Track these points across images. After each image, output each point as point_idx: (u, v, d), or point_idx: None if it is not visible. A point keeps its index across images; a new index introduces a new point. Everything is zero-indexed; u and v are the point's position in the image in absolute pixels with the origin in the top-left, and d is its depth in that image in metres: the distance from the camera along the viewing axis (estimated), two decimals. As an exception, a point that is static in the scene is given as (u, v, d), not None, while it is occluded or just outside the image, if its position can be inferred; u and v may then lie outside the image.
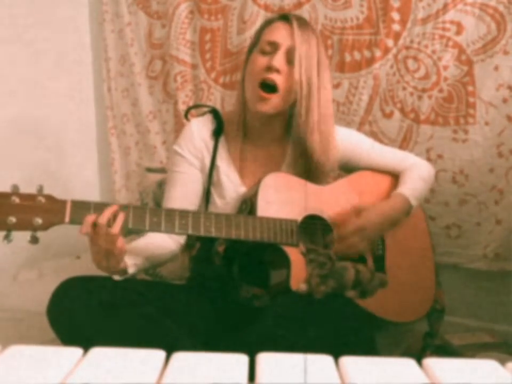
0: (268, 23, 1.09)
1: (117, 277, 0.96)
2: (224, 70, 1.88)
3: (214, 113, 1.15)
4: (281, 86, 1.03)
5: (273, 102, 1.03)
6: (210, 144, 1.12)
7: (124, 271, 0.96)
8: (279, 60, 1.02)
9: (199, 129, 1.12)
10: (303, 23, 1.07)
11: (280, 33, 1.04)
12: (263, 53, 1.05)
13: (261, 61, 1.04)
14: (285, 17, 1.07)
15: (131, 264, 0.97)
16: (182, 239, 1.12)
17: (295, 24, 1.04)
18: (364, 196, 1.16)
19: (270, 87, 1.02)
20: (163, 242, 1.07)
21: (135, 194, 2.13)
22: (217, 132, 1.12)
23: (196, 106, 1.29)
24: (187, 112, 1.17)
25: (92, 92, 2.30)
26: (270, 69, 1.02)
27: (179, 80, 1.97)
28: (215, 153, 1.11)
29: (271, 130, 1.13)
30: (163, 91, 2.06)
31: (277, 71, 1.02)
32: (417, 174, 1.18)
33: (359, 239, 1.03)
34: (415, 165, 1.20)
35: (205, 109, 1.19)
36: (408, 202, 1.11)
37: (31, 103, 1.96)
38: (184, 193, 1.10)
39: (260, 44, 1.07)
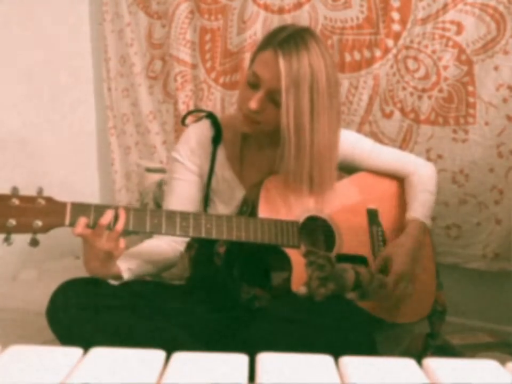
0: (264, 45, 0.98)
1: (113, 281, 0.96)
2: (224, 70, 1.88)
3: (212, 118, 1.14)
4: (263, 120, 0.99)
5: (256, 128, 1.02)
6: (209, 150, 1.12)
7: (119, 277, 0.96)
8: (257, 103, 0.95)
9: (197, 135, 1.12)
10: (295, 56, 0.92)
11: (266, 69, 0.94)
12: (248, 81, 0.98)
13: (244, 92, 0.99)
14: (278, 47, 0.93)
15: (125, 268, 0.97)
16: (181, 246, 1.11)
17: (282, 65, 0.91)
18: (366, 196, 1.16)
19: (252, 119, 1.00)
20: (159, 249, 1.07)
21: (135, 194, 2.13)
22: (216, 139, 1.12)
23: (192, 112, 1.28)
24: (184, 118, 1.16)
25: (92, 92, 2.30)
26: (248, 107, 0.96)
27: (179, 80, 1.97)
28: (213, 160, 1.11)
29: (272, 135, 1.12)
30: (163, 91, 2.06)
31: (255, 112, 0.97)
32: (422, 188, 1.16)
33: (404, 285, 1.02)
34: (417, 173, 1.18)
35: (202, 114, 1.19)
36: (423, 225, 1.11)
37: (31, 103, 1.96)
38: (182, 200, 1.10)
39: (249, 67, 1.01)
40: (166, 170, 1.87)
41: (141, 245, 1.06)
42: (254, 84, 0.97)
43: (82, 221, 0.84)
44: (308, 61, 0.92)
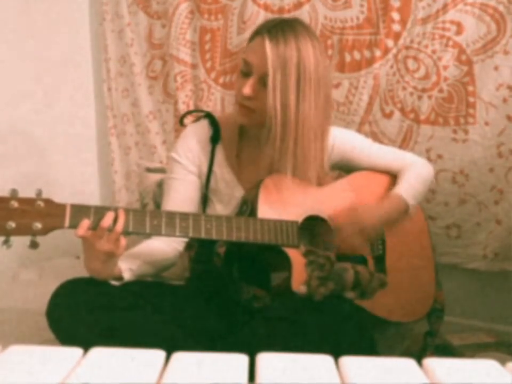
0: (254, 35, 1.02)
1: (115, 282, 0.96)
2: (224, 70, 1.88)
3: (210, 118, 1.14)
4: (257, 108, 1.01)
5: (251, 117, 1.03)
6: (207, 150, 1.12)
7: (120, 277, 0.96)
8: (250, 88, 0.98)
9: (196, 135, 1.12)
10: (282, 40, 0.95)
11: (256, 55, 0.98)
12: (242, 72, 1.01)
13: (239, 81, 1.02)
14: (266, 32, 0.97)
15: (125, 268, 0.97)
16: (180, 246, 1.11)
17: (267, 46, 0.95)
18: (364, 195, 1.16)
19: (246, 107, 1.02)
20: (159, 249, 1.07)
21: (135, 194, 2.13)
22: (215, 139, 1.12)
23: (190, 112, 1.29)
24: (182, 119, 1.17)
25: (92, 92, 2.30)
26: (242, 95, 0.99)
27: (179, 80, 1.97)
28: (212, 160, 1.11)
29: (267, 132, 1.13)
30: (163, 91, 2.06)
31: (248, 98, 0.99)
32: (414, 173, 1.17)
33: (356, 237, 1.03)
34: (413, 164, 1.20)
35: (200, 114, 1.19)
36: (405, 202, 1.10)
37: (31, 103, 1.96)
38: (181, 200, 1.10)
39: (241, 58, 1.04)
40: (166, 170, 1.87)
41: (140, 246, 1.07)
42: (246, 72, 1.00)
43: (85, 223, 0.84)
44: (295, 44, 0.96)
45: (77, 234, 0.84)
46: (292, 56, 0.95)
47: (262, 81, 0.98)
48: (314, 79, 0.97)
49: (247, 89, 0.98)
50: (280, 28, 0.97)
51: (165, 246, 1.08)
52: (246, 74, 1.00)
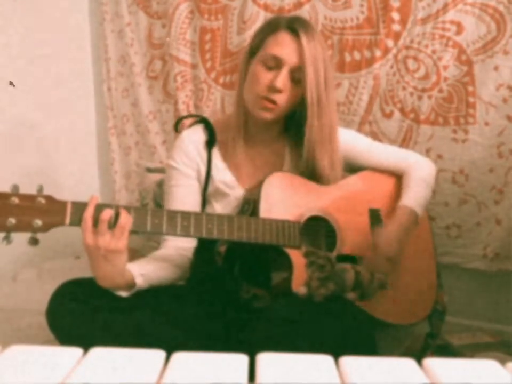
0: (272, 30, 1.03)
1: (124, 293, 0.92)
2: (224, 70, 1.88)
3: (205, 123, 1.14)
4: (283, 102, 1.03)
5: (275, 111, 1.04)
6: (204, 154, 1.12)
7: (131, 286, 0.93)
8: (282, 81, 1.00)
9: (191, 140, 1.12)
10: (310, 35, 1.00)
11: (285, 49, 1.00)
12: (266, 66, 1.02)
13: (264, 76, 1.02)
14: (291, 27, 1.01)
15: (137, 274, 0.93)
16: (190, 254, 1.10)
17: (304, 41, 0.99)
18: (367, 195, 1.16)
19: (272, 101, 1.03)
20: (169, 258, 1.05)
21: (135, 194, 2.13)
22: (210, 143, 1.12)
23: (185, 117, 1.29)
24: (177, 125, 1.16)
25: (92, 92, 2.30)
26: (272, 88, 1.00)
27: (179, 80, 1.97)
28: (209, 163, 1.11)
29: (269, 132, 1.13)
30: (163, 91, 2.06)
31: (280, 91, 1.01)
32: (418, 179, 1.17)
33: (387, 267, 1.04)
34: (415, 167, 1.19)
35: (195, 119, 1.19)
36: (414, 213, 1.11)
37: (31, 103, 1.96)
38: (184, 206, 1.08)
39: (262, 53, 1.03)
40: (166, 170, 1.87)
41: (150, 256, 1.05)
42: (273, 66, 1.02)
43: (89, 211, 0.83)
44: (318, 40, 1.02)
45: (84, 222, 0.82)
46: (319, 51, 1.01)
47: (291, 75, 1.01)
48: (331, 73, 1.05)
49: (279, 82, 1.00)
50: (302, 24, 1.02)
51: (175, 254, 1.06)
52: (272, 68, 1.02)
